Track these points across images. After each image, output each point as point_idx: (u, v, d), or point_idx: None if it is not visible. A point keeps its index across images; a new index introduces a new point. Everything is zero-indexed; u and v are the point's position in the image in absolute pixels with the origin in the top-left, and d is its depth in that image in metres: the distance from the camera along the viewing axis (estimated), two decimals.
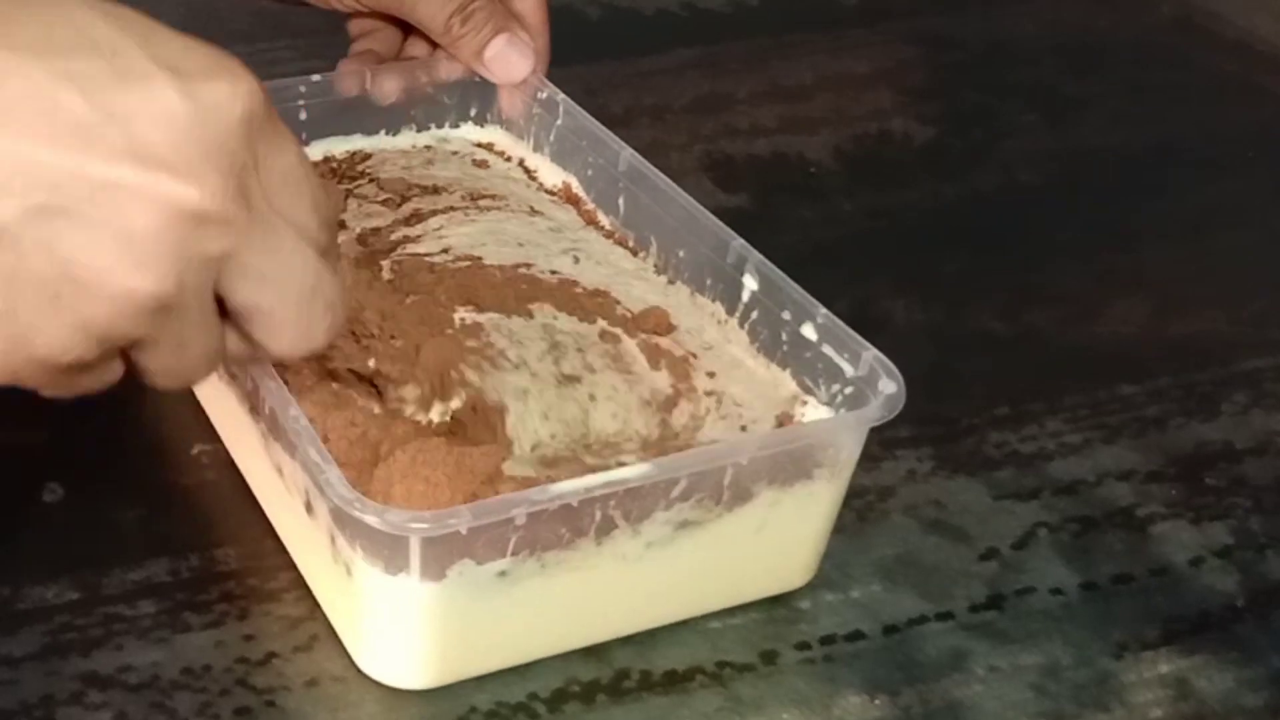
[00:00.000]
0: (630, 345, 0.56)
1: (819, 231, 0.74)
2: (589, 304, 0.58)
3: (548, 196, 0.65)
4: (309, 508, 0.50)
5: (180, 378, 0.46)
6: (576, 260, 0.60)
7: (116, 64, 0.41)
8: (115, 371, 0.45)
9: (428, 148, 0.68)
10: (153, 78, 0.41)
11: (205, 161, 0.42)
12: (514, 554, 0.47)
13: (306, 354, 0.46)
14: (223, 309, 0.44)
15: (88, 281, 0.41)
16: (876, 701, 0.51)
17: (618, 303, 0.58)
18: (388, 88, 0.68)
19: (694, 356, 0.56)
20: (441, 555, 0.46)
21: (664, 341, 0.57)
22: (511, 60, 0.67)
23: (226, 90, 0.42)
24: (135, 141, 0.41)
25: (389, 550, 0.46)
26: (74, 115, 0.41)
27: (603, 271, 0.60)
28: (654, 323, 0.58)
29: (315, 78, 0.67)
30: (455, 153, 0.68)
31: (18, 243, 0.41)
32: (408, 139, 0.68)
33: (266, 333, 0.45)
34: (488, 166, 0.67)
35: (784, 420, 0.54)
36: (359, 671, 0.50)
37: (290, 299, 0.45)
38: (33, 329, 0.42)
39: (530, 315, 0.56)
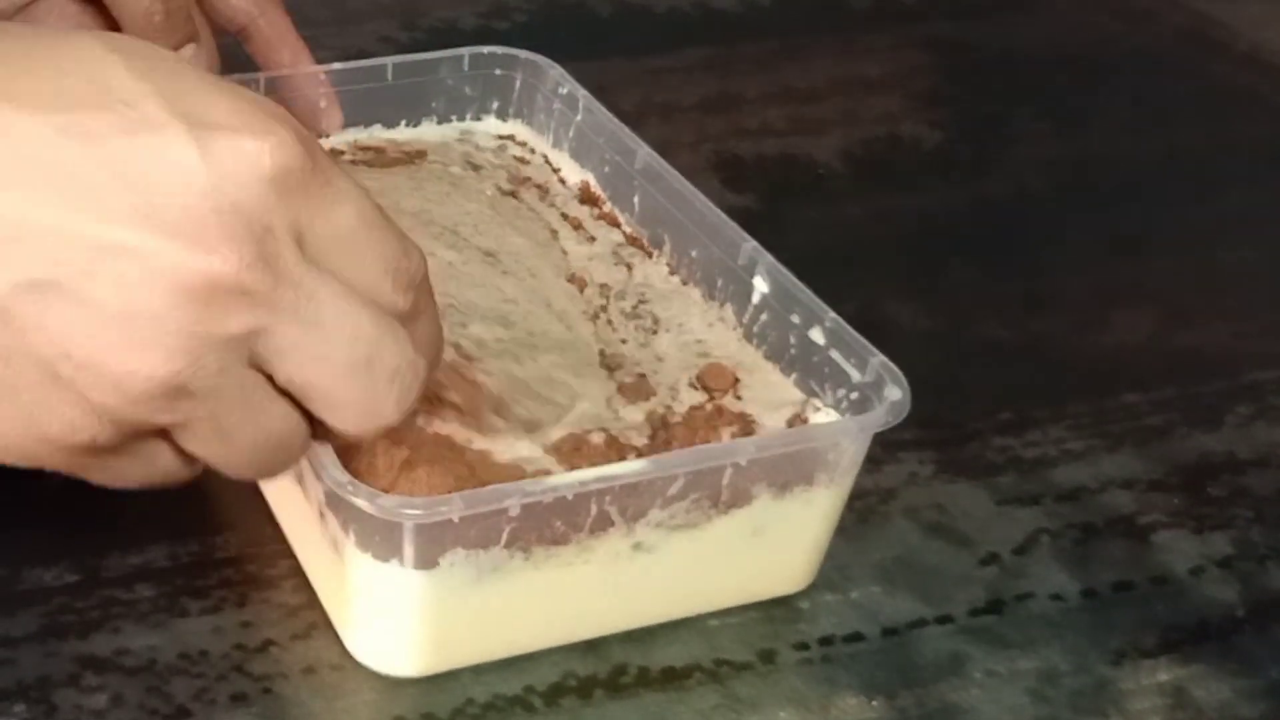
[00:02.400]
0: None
1: (826, 233, 0.73)
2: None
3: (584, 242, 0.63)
4: (305, 492, 0.50)
5: (245, 467, 0.42)
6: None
7: (130, 116, 0.38)
8: (163, 458, 0.41)
9: (453, 174, 0.65)
10: (168, 131, 0.38)
11: (220, 228, 0.38)
12: (507, 544, 0.47)
13: (378, 432, 0.42)
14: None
15: (86, 363, 0.38)
16: (874, 703, 0.51)
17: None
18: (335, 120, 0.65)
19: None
20: (434, 543, 0.46)
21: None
22: None
23: (252, 146, 0.38)
24: (142, 205, 0.37)
25: (381, 536, 0.46)
26: (76, 175, 0.37)
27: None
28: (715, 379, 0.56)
29: (335, 66, 0.66)
30: (480, 168, 0.66)
31: (11, 319, 0.38)
32: (430, 130, 0.68)
33: (328, 411, 0.41)
34: (518, 198, 0.64)
35: (791, 425, 0.54)
36: (356, 661, 0.50)
37: (341, 374, 0.40)
38: (39, 409, 0.39)
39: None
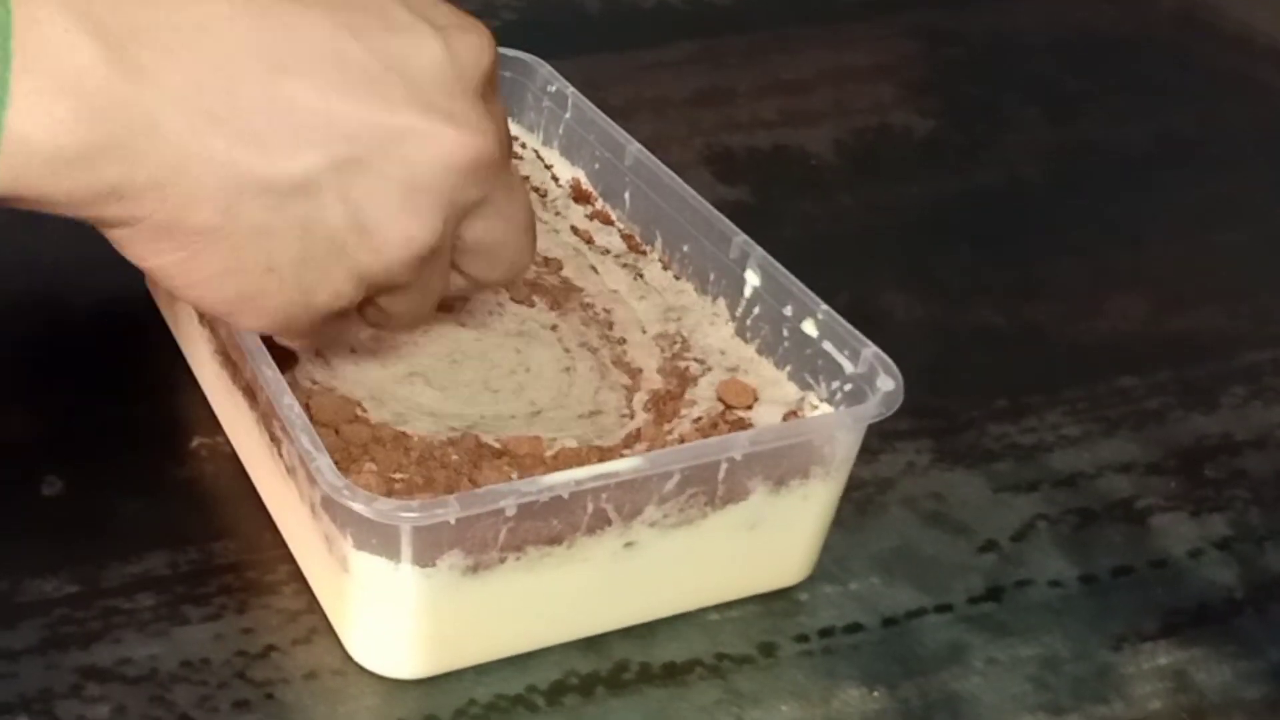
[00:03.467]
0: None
1: (819, 225, 0.73)
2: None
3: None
4: (302, 497, 0.50)
5: (414, 322, 0.49)
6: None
7: (386, 17, 0.44)
8: (353, 323, 0.48)
9: None
10: (417, 30, 0.44)
11: (475, 112, 0.44)
12: (505, 544, 0.47)
13: (515, 279, 0.51)
14: None
15: (374, 230, 0.44)
16: (875, 694, 0.51)
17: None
18: None
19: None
20: (432, 544, 0.46)
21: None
22: None
23: (476, 41, 0.45)
24: (414, 91, 0.43)
25: (379, 539, 0.46)
26: (361, 66, 0.43)
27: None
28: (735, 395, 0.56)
29: None
30: None
31: (319, 193, 0.43)
32: None
33: (490, 264, 0.48)
34: None
35: (786, 419, 0.54)
36: (358, 665, 0.50)
37: (519, 231, 0.48)
38: (317, 278, 0.44)
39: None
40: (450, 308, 0.56)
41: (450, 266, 0.48)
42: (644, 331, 0.58)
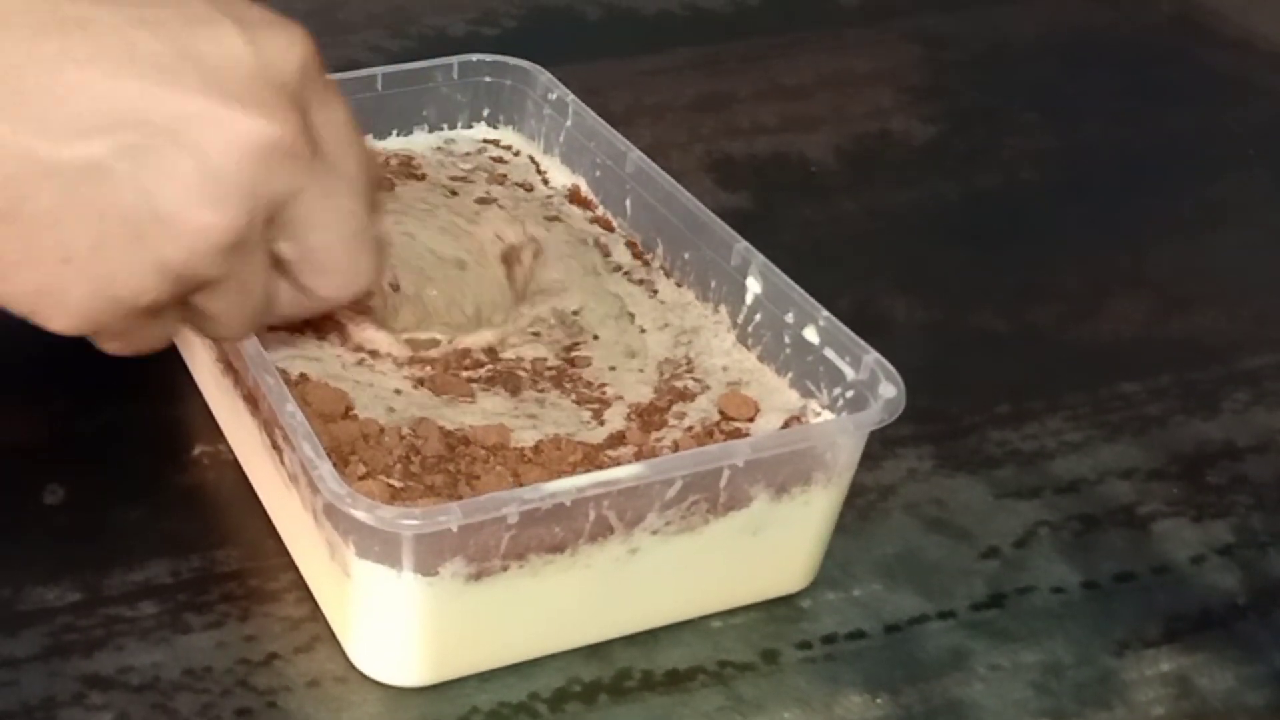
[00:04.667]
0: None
1: (820, 230, 0.73)
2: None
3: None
4: (304, 504, 0.50)
5: (238, 325, 0.48)
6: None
7: (185, 11, 0.44)
8: (173, 324, 0.48)
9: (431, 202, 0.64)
10: (219, 23, 0.44)
11: (276, 100, 0.44)
12: (507, 552, 0.47)
13: (355, 296, 0.49)
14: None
15: (170, 216, 0.43)
16: (878, 700, 0.51)
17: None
18: None
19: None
20: (433, 552, 0.46)
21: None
22: None
23: (285, 39, 0.45)
24: (210, 78, 0.43)
25: (381, 546, 0.46)
26: (153, 54, 0.43)
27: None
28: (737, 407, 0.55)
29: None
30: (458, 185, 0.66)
31: (109, 178, 0.42)
32: (421, 140, 0.68)
33: (316, 276, 0.48)
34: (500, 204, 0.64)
35: (788, 425, 0.54)
36: (360, 673, 0.50)
37: (342, 239, 0.47)
38: (117, 268, 0.43)
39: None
40: (298, 329, 0.55)
41: (269, 267, 0.47)
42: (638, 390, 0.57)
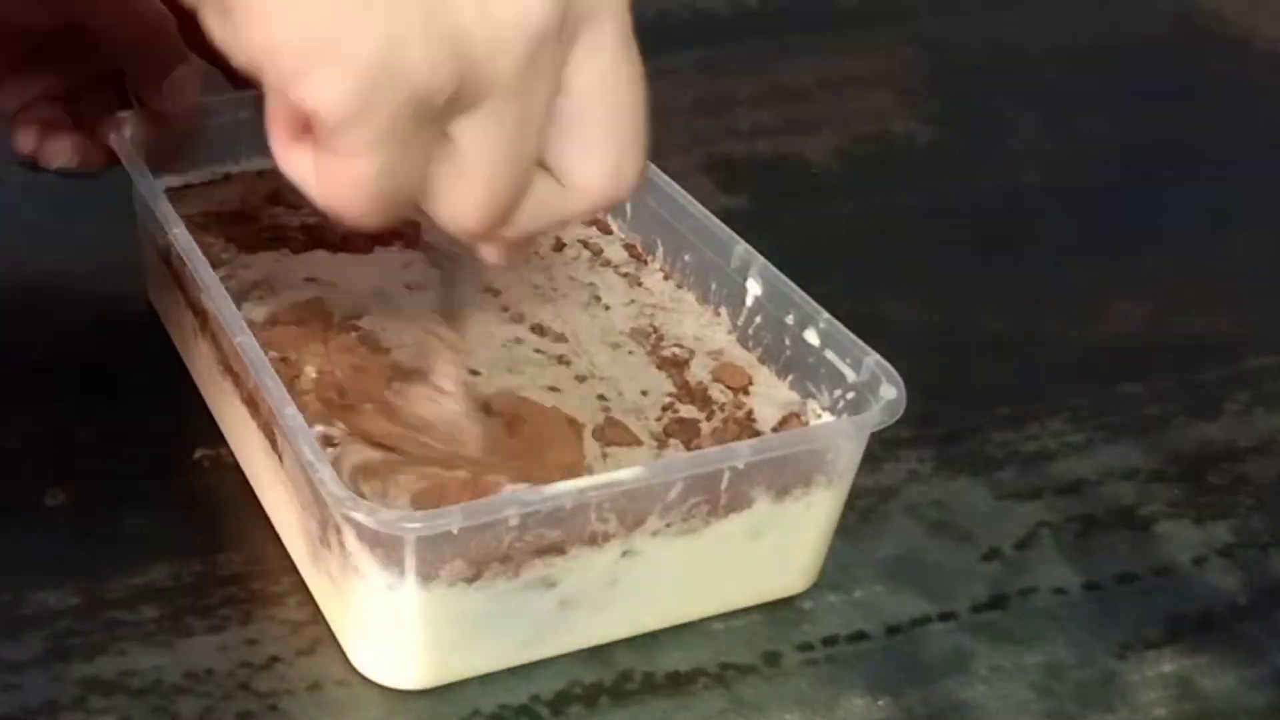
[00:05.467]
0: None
1: (820, 233, 0.73)
2: None
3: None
4: (305, 507, 0.50)
5: (483, 192, 0.43)
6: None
7: None
8: (422, 171, 0.42)
9: None
10: None
11: None
12: (508, 554, 0.47)
13: (610, 199, 0.45)
14: None
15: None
16: (880, 702, 0.51)
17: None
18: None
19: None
20: (435, 555, 0.46)
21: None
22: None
23: None
24: None
25: (382, 549, 0.46)
26: None
27: None
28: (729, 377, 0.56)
29: None
30: None
31: None
32: None
33: (587, 155, 0.44)
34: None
35: (789, 421, 0.54)
36: (362, 676, 0.50)
37: (627, 116, 0.44)
38: (416, 28, 0.40)
39: None
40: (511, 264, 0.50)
41: (540, 141, 0.43)
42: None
